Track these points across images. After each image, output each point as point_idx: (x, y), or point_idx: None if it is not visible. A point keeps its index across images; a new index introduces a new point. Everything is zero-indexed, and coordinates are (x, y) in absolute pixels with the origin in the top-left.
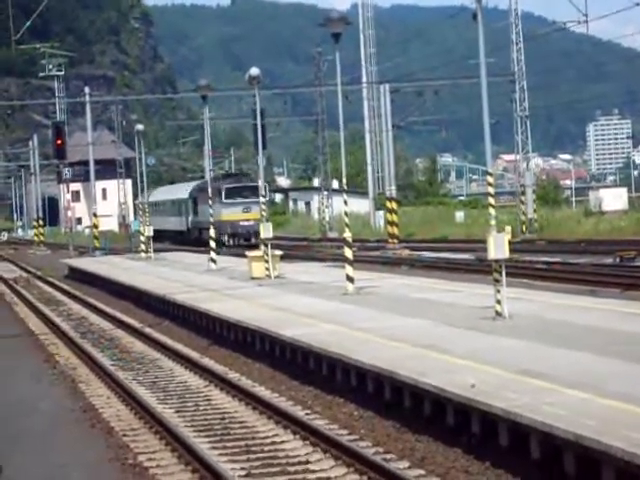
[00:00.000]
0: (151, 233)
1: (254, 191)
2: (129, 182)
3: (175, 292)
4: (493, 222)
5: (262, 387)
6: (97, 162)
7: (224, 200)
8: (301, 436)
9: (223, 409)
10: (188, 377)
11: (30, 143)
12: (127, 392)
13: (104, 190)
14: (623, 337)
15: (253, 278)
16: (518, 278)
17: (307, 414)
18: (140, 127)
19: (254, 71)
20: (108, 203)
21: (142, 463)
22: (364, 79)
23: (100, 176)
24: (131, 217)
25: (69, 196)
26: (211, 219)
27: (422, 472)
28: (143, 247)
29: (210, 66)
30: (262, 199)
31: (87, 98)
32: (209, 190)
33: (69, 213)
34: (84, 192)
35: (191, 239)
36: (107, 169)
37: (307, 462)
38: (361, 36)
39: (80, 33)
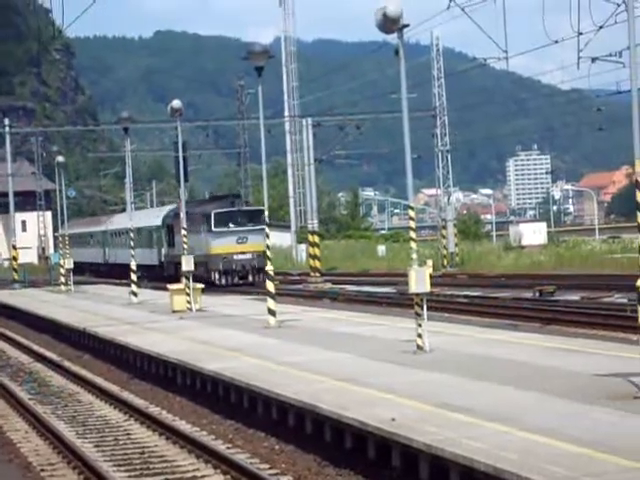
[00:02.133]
0: (71, 265)
1: (251, 217)
2: (49, 214)
3: (95, 325)
4: (414, 256)
5: (183, 421)
6: (17, 194)
7: (214, 229)
8: (222, 470)
9: (143, 443)
10: (108, 411)
11: None
12: (45, 427)
13: (24, 222)
14: (543, 371)
15: (175, 311)
16: (439, 312)
17: (228, 448)
18: (61, 159)
19: (176, 103)
20: (28, 235)
21: None
22: (286, 113)
23: (20, 208)
24: (51, 249)
25: None
26: (132, 252)
27: None
28: (63, 280)
29: (132, 98)
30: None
31: (6, 129)
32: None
33: None
34: (3, 224)
35: (165, 275)
36: (27, 201)
37: None
38: (284, 70)
39: None
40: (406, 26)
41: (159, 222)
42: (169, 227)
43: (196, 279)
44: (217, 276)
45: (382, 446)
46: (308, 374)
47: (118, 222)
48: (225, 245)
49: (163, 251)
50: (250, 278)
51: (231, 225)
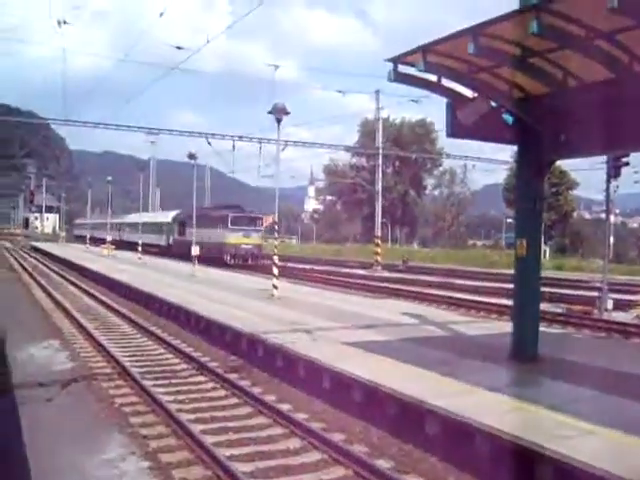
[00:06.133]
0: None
1: (252, 220)
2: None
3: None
4: None
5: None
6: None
7: (230, 226)
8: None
9: (141, 344)
10: (126, 327)
11: None
12: (83, 326)
13: (47, 218)
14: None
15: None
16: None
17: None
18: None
19: None
20: (49, 223)
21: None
22: None
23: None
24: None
25: None
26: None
27: (236, 376)
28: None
29: None
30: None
31: None
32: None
33: None
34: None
35: (173, 252)
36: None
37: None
38: None
39: None
40: None
41: (169, 220)
42: (181, 222)
43: (214, 259)
44: (228, 257)
45: (250, 341)
46: (209, 302)
47: (133, 218)
48: (236, 237)
49: (171, 237)
50: (250, 261)
51: (241, 225)
